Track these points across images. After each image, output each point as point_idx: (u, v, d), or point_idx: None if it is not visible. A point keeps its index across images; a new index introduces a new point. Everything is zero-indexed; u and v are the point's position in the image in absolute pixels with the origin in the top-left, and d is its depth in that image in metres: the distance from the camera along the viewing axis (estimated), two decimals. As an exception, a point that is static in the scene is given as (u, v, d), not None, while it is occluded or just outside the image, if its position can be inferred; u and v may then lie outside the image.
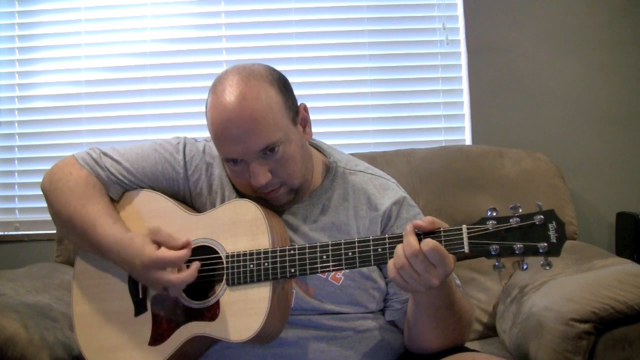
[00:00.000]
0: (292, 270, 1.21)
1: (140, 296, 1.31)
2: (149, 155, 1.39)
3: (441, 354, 1.28)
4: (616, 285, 1.40)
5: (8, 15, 2.51)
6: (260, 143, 1.23)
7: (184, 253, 1.21)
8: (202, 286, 1.27)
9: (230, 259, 1.25)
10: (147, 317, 1.30)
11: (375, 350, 1.34)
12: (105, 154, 1.39)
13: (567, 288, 1.51)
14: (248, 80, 1.24)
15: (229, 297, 1.24)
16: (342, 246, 1.19)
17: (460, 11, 2.50)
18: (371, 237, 1.18)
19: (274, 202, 1.32)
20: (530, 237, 1.08)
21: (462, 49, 2.48)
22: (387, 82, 2.51)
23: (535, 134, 2.42)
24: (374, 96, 2.50)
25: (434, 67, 2.50)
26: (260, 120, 1.22)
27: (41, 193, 1.40)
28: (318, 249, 1.21)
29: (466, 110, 2.48)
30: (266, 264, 1.22)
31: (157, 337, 1.28)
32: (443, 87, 2.50)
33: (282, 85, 1.29)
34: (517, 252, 1.08)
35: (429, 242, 1.09)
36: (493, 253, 1.09)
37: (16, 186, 2.50)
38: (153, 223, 1.32)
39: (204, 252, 1.27)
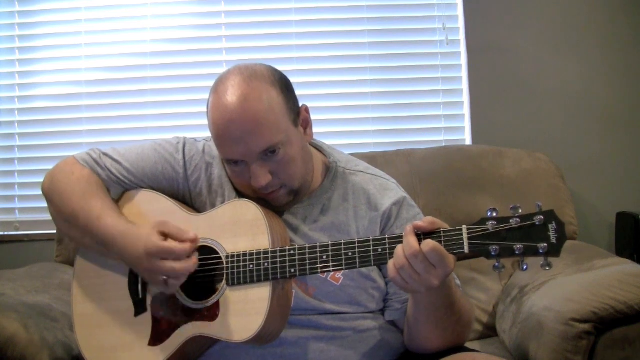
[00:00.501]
0: (292, 270, 1.21)
1: (140, 296, 1.30)
2: (149, 156, 1.39)
3: (441, 353, 1.28)
4: (616, 285, 1.40)
5: (8, 15, 2.51)
6: (262, 144, 1.23)
7: (190, 246, 1.21)
8: (202, 286, 1.27)
9: (230, 259, 1.25)
10: (147, 317, 1.29)
11: (375, 350, 1.34)
12: (105, 154, 1.39)
13: (567, 288, 1.51)
14: (250, 81, 1.24)
15: (229, 298, 1.24)
16: (342, 246, 1.19)
17: (460, 11, 2.50)
18: (371, 238, 1.19)
19: (274, 203, 1.32)
20: (530, 237, 1.08)
21: (462, 49, 2.48)
22: (387, 82, 2.51)
23: (535, 134, 2.42)
24: (374, 96, 2.50)
25: (434, 67, 2.50)
26: (261, 121, 1.22)
27: (41, 193, 1.39)
28: (318, 249, 1.21)
29: (466, 110, 2.48)
30: (266, 264, 1.22)
31: (157, 337, 1.28)
32: (443, 87, 2.50)
33: (284, 86, 1.29)
34: (517, 252, 1.08)
35: (429, 243, 1.09)
36: (493, 254, 1.10)
37: (16, 186, 2.50)
38: (153, 223, 1.32)
39: (204, 252, 1.27)
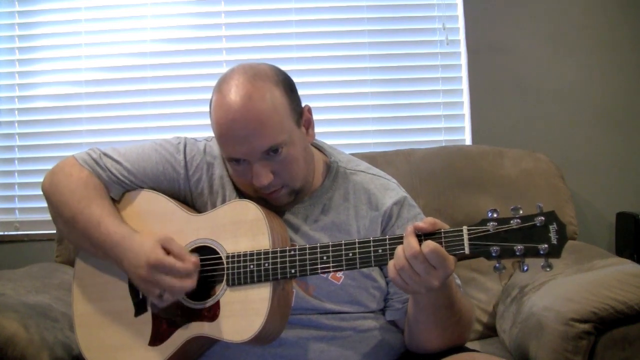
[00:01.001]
0: (293, 270, 1.21)
1: (141, 296, 1.30)
2: (150, 156, 1.39)
3: (441, 354, 1.28)
4: (616, 285, 1.40)
5: (8, 15, 2.51)
6: (265, 144, 1.23)
7: (192, 266, 1.21)
8: (203, 286, 1.27)
9: (230, 260, 1.25)
10: (147, 317, 1.30)
11: (375, 350, 1.34)
12: (105, 154, 1.39)
13: (567, 288, 1.51)
14: (254, 81, 1.24)
15: (229, 298, 1.24)
16: (343, 247, 1.19)
17: (460, 11, 2.50)
18: (372, 238, 1.18)
19: (275, 203, 1.32)
20: (531, 238, 1.08)
21: (462, 49, 2.49)
22: (387, 82, 2.51)
23: (535, 134, 2.42)
24: (374, 96, 2.50)
25: (434, 67, 2.51)
26: (265, 121, 1.22)
27: (41, 193, 1.39)
28: (318, 250, 1.21)
29: (466, 110, 2.48)
30: (266, 265, 1.22)
31: (157, 338, 1.28)
32: (443, 87, 2.51)
33: (288, 86, 1.29)
34: (517, 253, 1.08)
35: (429, 244, 1.09)
36: (494, 254, 1.09)
37: (16, 186, 2.50)
38: (153, 223, 1.32)
39: (204, 253, 1.27)
